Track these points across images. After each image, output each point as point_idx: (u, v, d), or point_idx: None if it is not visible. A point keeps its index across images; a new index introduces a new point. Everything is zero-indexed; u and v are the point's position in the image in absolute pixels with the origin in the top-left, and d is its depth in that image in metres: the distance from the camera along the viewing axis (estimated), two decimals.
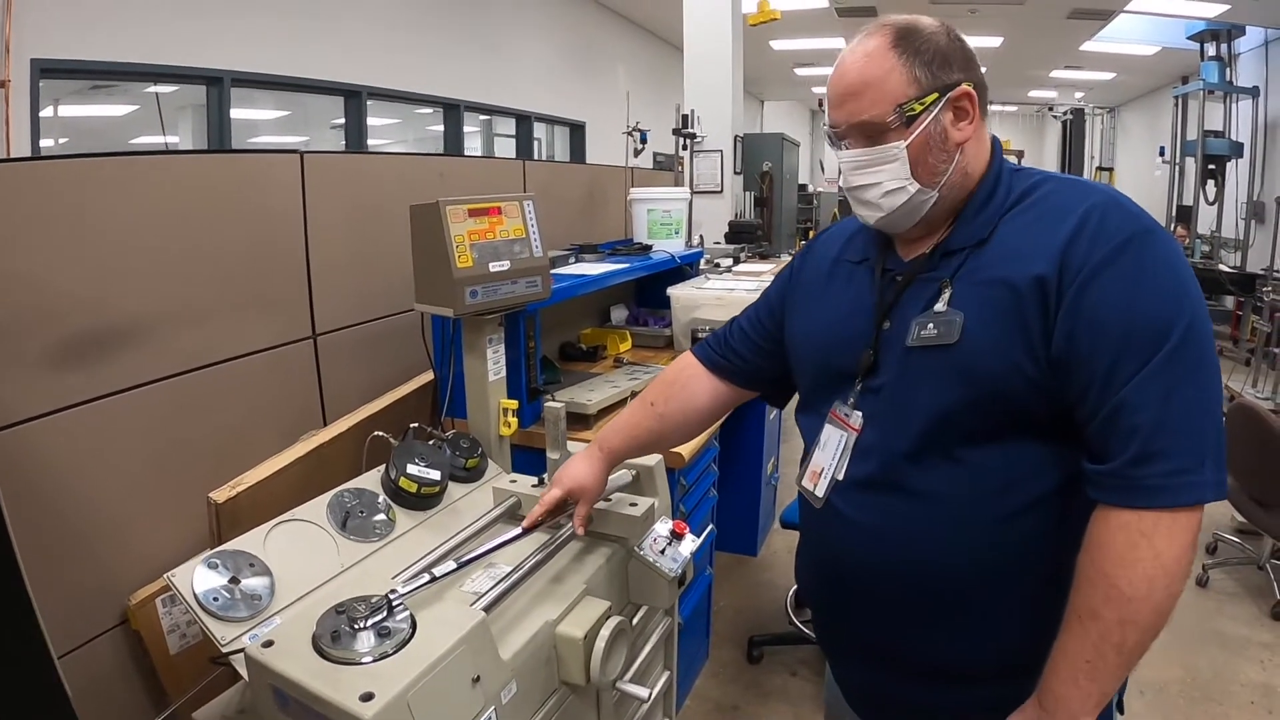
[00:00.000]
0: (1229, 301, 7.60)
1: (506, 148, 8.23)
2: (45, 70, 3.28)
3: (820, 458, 1.08)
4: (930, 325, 0.95)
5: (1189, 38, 8.24)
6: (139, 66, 3.74)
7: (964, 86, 0.96)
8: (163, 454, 1.65)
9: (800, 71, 12.70)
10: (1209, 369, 0.87)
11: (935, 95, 0.95)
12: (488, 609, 1.07)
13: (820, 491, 1.07)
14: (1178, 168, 9.58)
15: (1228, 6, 7.08)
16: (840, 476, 1.05)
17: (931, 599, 1.00)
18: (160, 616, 1.63)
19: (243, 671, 1.06)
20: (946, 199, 0.99)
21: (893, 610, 1.04)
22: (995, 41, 9.37)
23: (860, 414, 1.03)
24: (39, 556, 1.44)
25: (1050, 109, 13.72)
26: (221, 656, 1.09)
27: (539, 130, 8.74)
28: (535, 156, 8.46)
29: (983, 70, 1.01)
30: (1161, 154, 10.46)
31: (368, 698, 0.86)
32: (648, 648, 1.72)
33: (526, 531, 1.29)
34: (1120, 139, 14.10)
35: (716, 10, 4.14)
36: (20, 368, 1.39)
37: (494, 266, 1.58)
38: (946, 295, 0.96)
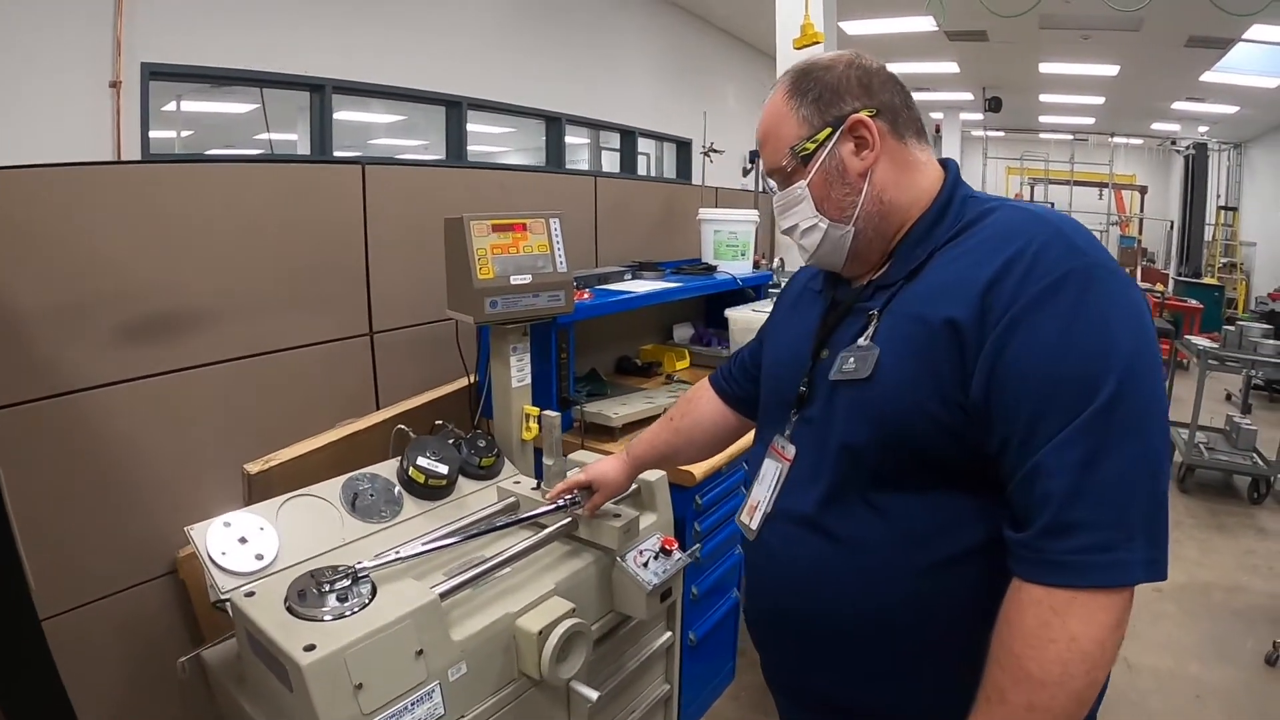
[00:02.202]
0: None
1: (613, 163, 8.41)
2: (154, 73, 3.57)
3: (758, 491, 1.07)
4: (851, 359, 0.93)
5: None
6: (243, 72, 4.03)
7: (859, 115, 0.94)
8: (219, 427, 1.85)
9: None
10: (1147, 431, 0.77)
11: (828, 131, 0.95)
12: (447, 593, 1.18)
13: (754, 524, 1.05)
14: None
15: None
16: (770, 510, 1.03)
17: (846, 645, 0.96)
18: (204, 571, 1.82)
19: (232, 617, 1.20)
20: (868, 231, 0.97)
21: (814, 651, 1.00)
22: (1112, 70, 8.94)
23: (794, 446, 1.01)
24: (103, 506, 1.67)
25: (1173, 143, 12.85)
26: (219, 602, 1.24)
27: (649, 146, 8.85)
28: (641, 172, 8.60)
29: (897, 94, 0.98)
30: None
31: (310, 649, 0.98)
32: (641, 657, 1.78)
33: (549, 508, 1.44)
34: (1246, 177, 13.10)
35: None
36: (96, 340, 1.62)
37: (515, 279, 1.69)
38: (871, 329, 0.93)
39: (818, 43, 3.55)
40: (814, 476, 0.97)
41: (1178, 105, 10.84)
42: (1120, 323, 0.78)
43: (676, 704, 2.00)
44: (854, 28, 8.30)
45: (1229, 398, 6.33)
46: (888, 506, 0.90)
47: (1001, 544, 0.84)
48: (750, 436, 1.35)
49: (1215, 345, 4.44)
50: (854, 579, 0.93)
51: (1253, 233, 12.37)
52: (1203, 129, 12.16)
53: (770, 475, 1.04)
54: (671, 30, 8.61)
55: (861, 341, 0.93)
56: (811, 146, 0.96)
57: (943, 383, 0.84)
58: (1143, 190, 13.75)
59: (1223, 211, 12.64)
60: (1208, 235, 12.29)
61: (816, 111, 0.96)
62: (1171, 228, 12.54)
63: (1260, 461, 4.29)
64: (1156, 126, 12.71)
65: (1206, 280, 10.66)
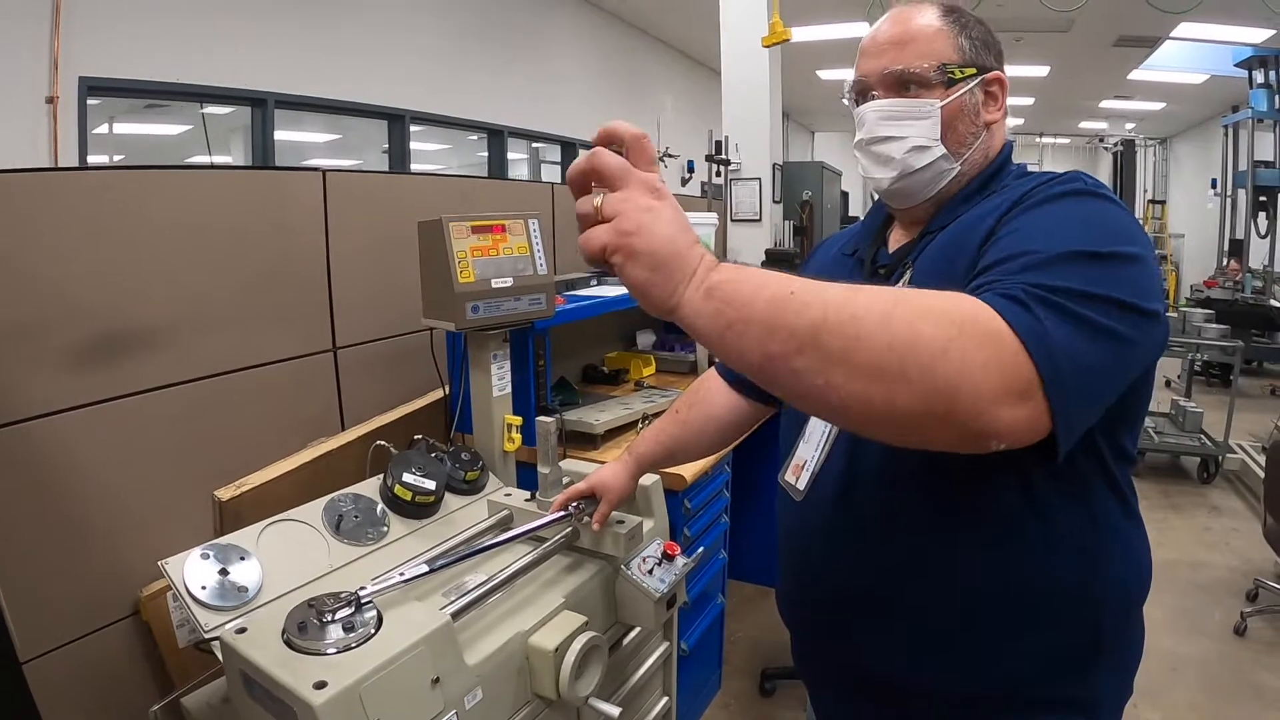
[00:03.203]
0: None
1: (554, 175, 8.37)
2: (93, 87, 3.43)
3: (804, 450, 1.03)
4: None
5: (1237, 65, 7.86)
6: (183, 86, 3.90)
7: (998, 73, 0.98)
8: (180, 454, 1.72)
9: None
10: (1127, 308, 0.67)
11: (975, 70, 0.96)
12: (456, 614, 1.10)
13: (802, 485, 1.01)
14: (1229, 200, 9.28)
15: (1274, 31, 6.86)
16: (818, 470, 0.99)
17: (899, 610, 0.93)
18: (170, 610, 1.69)
19: (221, 657, 1.10)
20: (963, 177, 0.99)
21: (872, 621, 0.96)
22: (1043, 71, 9.27)
23: None
24: (56, 545, 1.53)
25: (1101, 140, 13.43)
26: (204, 641, 1.14)
27: None
28: None
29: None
30: (1214, 186, 10.17)
31: (321, 686, 0.89)
32: (641, 670, 1.71)
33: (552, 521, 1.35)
34: (1173, 171, 13.82)
35: (754, 38, 4.18)
36: (44, 365, 1.48)
37: (496, 283, 1.62)
38: (907, 275, 0.94)
39: (786, 39, 3.65)
40: None
41: (1106, 104, 11.31)
42: (1139, 236, 0.76)
43: (674, 715, 1.94)
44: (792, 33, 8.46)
45: (1168, 384, 6.57)
46: (939, 460, 0.82)
47: (1045, 503, 0.85)
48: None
49: None
50: (906, 539, 0.90)
51: (1181, 225, 12.95)
52: (1130, 126, 12.72)
53: (819, 433, 1.02)
54: (610, 42, 8.67)
55: (899, 286, 0.93)
56: (960, 75, 0.96)
57: None
58: None
59: (1152, 205, 13.21)
60: None
61: (973, 48, 0.97)
62: None
63: (1208, 442, 4.44)
64: (1084, 125, 13.26)
65: None
